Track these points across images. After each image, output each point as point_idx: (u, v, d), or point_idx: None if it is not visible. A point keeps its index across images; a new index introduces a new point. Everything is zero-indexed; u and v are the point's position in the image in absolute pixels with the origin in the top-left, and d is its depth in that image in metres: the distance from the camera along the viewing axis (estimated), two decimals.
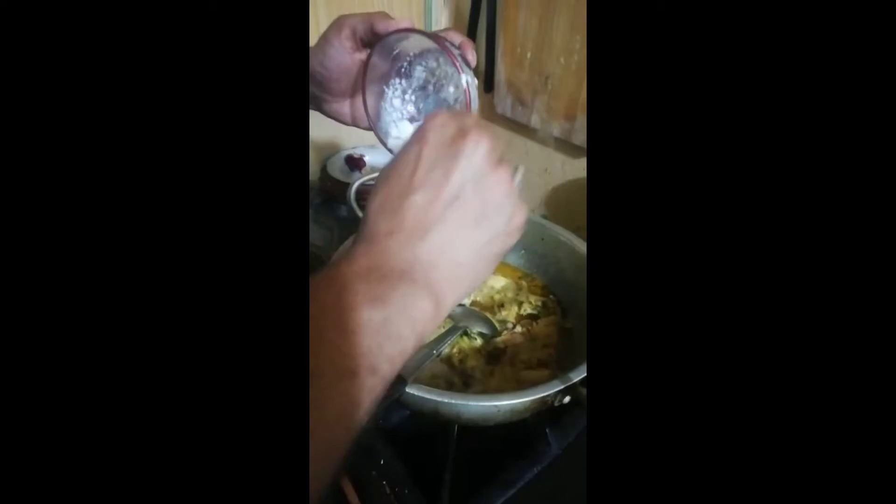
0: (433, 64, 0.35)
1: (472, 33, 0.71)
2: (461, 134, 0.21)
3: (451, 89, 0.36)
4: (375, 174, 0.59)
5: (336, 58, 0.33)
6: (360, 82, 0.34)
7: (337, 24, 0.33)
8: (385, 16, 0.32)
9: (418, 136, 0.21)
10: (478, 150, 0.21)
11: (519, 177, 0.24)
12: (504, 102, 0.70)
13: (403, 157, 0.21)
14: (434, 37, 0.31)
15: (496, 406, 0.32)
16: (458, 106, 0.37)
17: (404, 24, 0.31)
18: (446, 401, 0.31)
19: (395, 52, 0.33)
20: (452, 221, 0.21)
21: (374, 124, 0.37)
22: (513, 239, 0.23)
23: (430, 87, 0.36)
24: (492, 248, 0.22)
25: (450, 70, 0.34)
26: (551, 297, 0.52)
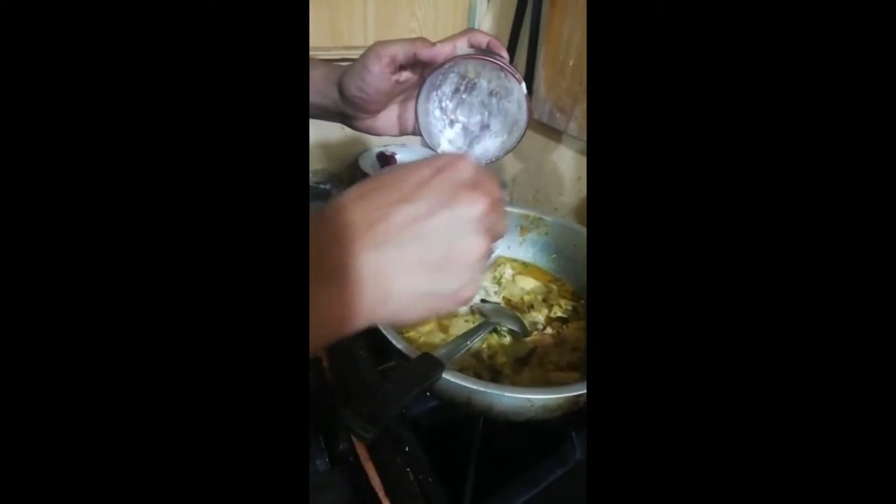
0: (462, 68, 0.36)
1: (514, 39, 0.72)
2: (471, 186, 0.21)
3: (485, 83, 0.36)
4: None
5: (375, 84, 0.33)
6: (393, 98, 0.36)
7: (376, 54, 0.32)
8: (426, 42, 0.32)
9: (439, 165, 0.21)
10: (473, 208, 0.20)
11: (493, 258, 0.24)
12: (542, 108, 0.71)
13: (417, 170, 0.21)
14: (479, 57, 0.32)
15: (529, 400, 0.32)
16: (494, 100, 0.37)
17: (447, 50, 0.32)
18: (481, 389, 0.31)
19: (434, 73, 0.34)
20: (408, 253, 0.20)
21: (428, 140, 0.38)
22: (453, 306, 0.22)
23: (462, 88, 0.37)
24: (429, 302, 0.21)
25: (505, 83, 0.35)
26: (581, 302, 0.51)
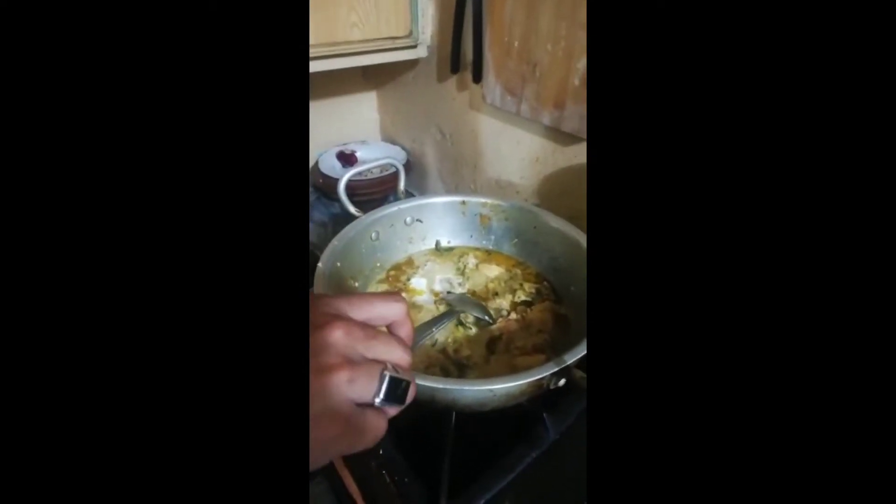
0: None
1: (458, 23, 0.71)
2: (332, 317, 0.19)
3: None
4: (364, 167, 0.59)
5: None
6: None
7: None
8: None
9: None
10: (327, 334, 0.19)
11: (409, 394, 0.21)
12: (493, 93, 0.70)
13: None
14: None
15: (491, 390, 0.32)
16: None
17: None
18: (441, 386, 0.31)
19: None
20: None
21: None
22: (350, 446, 0.19)
23: None
24: (327, 447, 0.18)
25: None
26: (545, 283, 0.52)
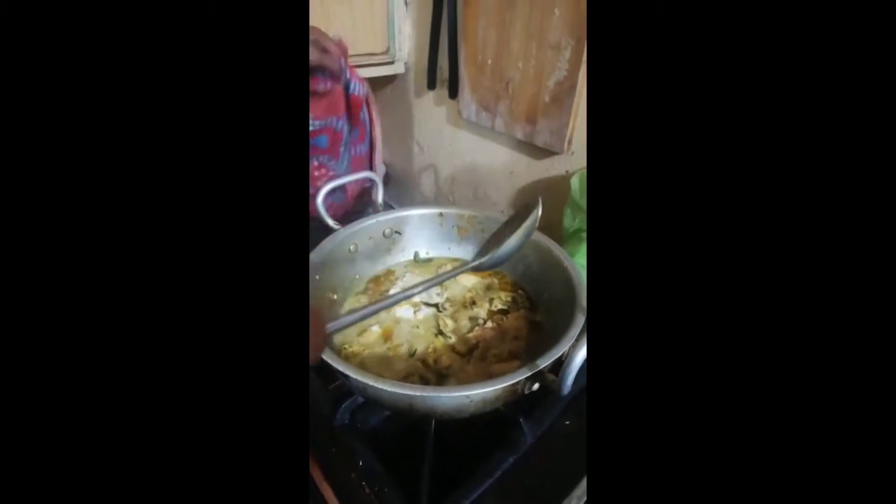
0: None
1: (434, 41, 0.73)
2: None
3: None
4: (343, 180, 0.59)
5: None
6: None
7: None
8: None
9: None
10: None
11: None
12: (469, 108, 0.72)
13: None
14: None
15: (468, 396, 0.33)
16: None
17: None
18: (419, 394, 0.32)
19: None
20: None
21: None
22: None
23: None
24: None
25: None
26: (520, 291, 0.53)
